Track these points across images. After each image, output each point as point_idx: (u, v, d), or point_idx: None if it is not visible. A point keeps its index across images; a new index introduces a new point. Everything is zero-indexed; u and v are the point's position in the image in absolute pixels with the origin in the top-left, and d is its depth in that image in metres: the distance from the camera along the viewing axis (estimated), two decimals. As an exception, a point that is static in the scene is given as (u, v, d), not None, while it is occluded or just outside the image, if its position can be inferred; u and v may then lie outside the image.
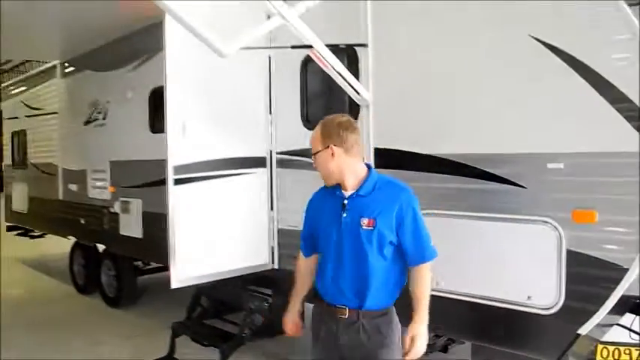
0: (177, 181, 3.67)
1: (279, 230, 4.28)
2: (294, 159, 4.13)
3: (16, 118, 9.02)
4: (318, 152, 2.42)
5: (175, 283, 3.67)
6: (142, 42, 5.67)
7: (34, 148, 8.84)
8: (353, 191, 2.39)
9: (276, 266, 4.30)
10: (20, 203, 9.31)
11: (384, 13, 3.57)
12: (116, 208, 6.24)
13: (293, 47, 3.29)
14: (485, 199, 3.04)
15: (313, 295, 2.57)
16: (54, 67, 7.84)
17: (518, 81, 2.95)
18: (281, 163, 4.25)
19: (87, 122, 6.94)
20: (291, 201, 4.22)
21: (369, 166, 2.47)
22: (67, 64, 7.51)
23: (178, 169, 3.68)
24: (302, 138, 4.06)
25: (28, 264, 10.16)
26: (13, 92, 9.54)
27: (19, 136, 9.27)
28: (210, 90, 3.90)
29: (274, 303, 4.38)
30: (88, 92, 6.88)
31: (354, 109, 3.70)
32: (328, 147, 2.37)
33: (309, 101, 4.06)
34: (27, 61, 10.99)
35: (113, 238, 6.38)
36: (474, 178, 3.10)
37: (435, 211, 3.25)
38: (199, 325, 4.78)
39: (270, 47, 3.45)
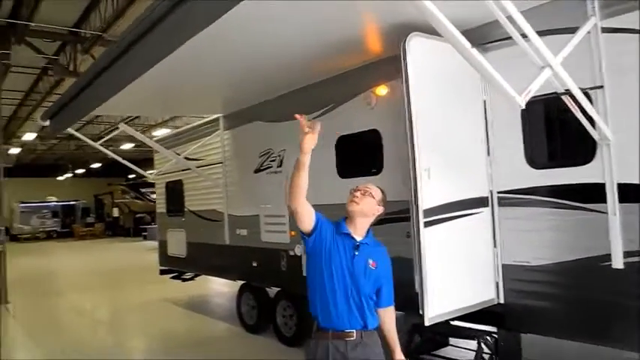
0: (426, 224, 3.94)
1: (502, 265, 4.44)
2: (518, 197, 4.30)
3: (179, 170, 9.59)
4: (374, 198, 3.17)
5: (427, 321, 3.89)
6: (327, 92, 6.08)
7: (191, 197, 9.50)
8: (361, 238, 3.13)
9: (501, 301, 4.43)
10: (177, 248, 9.90)
11: (619, 57, 3.74)
12: (297, 251, 6.60)
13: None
14: None
15: (315, 331, 3.16)
16: (216, 120, 8.46)
17: None
18: (502, 202, 4.43)
19: (257, 170, 7.44)
20: (514, 237, 4.38)
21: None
22: (231, 117, 8.10)
23: (426, 213, 3.96)
24: (526, 177, 4.26)
25: (178, 304, 10.80)
26: (169, 146, 10.24)
27: (176, 186, 9.97)
28: (441, 135, 4.18)
29: (500, 337, 4.53)
30: (259, 142, 7.38)
31: (589, 148, 3.86)
32: (381, 206, 3.19)
33: (534, 142, 4.25)
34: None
35: (293, 280, 6.71)
36: None
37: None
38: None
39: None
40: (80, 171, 39.21)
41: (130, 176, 37.23)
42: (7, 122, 21.59)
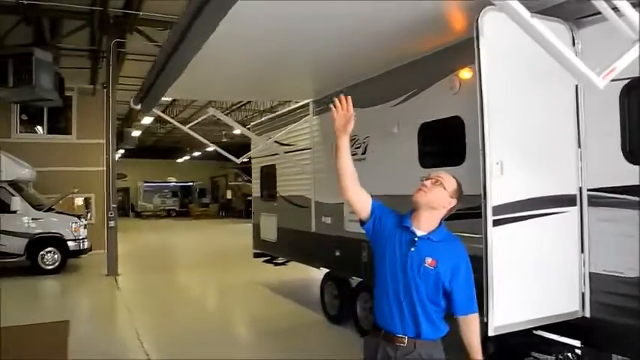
0: (495, 222, 3.53)
1: (590, 274, 3.90)
2: (613, 196, 3.73)
3: (272, 155, 9.66)
4: (445, 189, 2.80)
5: (492, 331, 3.49)
6: (410, 77, 5.73)
7: (283, 182, 9.50)
8: (424, 233, 2.77)
9: (586, 314, 3.90)
10: (269, 233, 9.98)
11: None
12: (376, 242, 6.31)
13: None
14: None
15: (371, 327, 2.93)
16: (306, 105, 8.35)
17: None
18: (593, 201, 3.88)
19: (342, 157, 7.20)
20: (605, 242, 3.82)
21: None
22: (320, 103, 7.94)
23: (496, 210, 3.54)
24: (623, 173, 3.68)
25: (271, 288, 10.98)
26: (262, 131, 10.34)
27: (269, 171, 10.03)
28: (520, 124, 3.72)
29: (583, 355, 4.00)
30: (344, 128, 7.13)
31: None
32: (454, 199, 2.81)
33: (634, 133, 3.65)
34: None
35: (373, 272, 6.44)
36: None
37: None
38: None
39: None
40: (197, 154, 41.19)
41: (243, 160, 38.62)
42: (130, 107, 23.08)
